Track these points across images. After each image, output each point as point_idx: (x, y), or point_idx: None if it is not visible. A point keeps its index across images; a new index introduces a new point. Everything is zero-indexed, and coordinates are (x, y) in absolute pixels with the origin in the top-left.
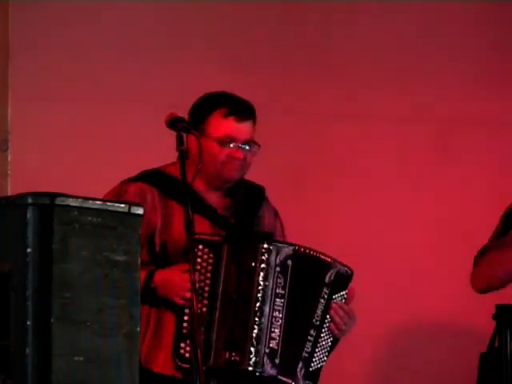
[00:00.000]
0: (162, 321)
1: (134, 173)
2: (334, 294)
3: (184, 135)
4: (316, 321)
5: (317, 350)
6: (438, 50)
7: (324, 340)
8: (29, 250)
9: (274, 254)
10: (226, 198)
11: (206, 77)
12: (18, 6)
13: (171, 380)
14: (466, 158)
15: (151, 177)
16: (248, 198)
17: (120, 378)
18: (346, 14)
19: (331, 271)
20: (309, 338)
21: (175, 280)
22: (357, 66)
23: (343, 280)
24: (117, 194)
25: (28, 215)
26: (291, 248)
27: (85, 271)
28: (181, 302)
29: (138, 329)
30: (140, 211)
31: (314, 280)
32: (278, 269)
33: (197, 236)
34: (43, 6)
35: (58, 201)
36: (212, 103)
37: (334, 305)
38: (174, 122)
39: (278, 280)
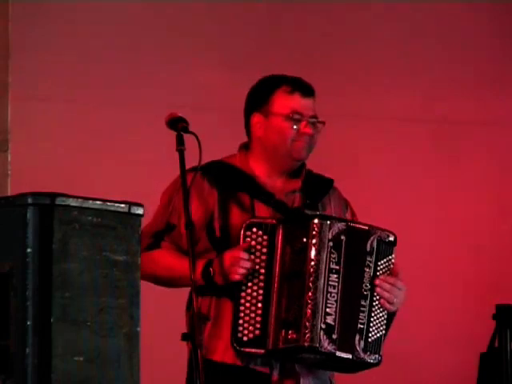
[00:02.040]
0: (220, 310)
1: (134, 173)
2: (379, 261)
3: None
4: (365, 291)
5: (372, 319)
6: (438, 50)
7: (378, 308)
8: (29, 250)
9: (325, 229)
10: (289, 184)
11: (206, 77)
12: (18, 6)
13: (232, 368)
14: (466, 158)
15: (212, 166)
16: (311, 185)
17: (120, 378)
18: (346, 14)
19: (372, 238)
20: (361, 309)
21: (227, 258)
22: (357, 66)
23: (386, 245)
24: (176, 185)
25: (28, 215)
26: (343, 223)
27: (85, 271)
28: (236, 276)
29: (138, 329)
30: (140, 211)
31: (358, 250)
32: (330, 244)
33: (250, 220)
34: (43, 6)
35: (58, 201)
36: (274, 82)
37: (377, 281)
38: (174, 122)
39: (332, 255)
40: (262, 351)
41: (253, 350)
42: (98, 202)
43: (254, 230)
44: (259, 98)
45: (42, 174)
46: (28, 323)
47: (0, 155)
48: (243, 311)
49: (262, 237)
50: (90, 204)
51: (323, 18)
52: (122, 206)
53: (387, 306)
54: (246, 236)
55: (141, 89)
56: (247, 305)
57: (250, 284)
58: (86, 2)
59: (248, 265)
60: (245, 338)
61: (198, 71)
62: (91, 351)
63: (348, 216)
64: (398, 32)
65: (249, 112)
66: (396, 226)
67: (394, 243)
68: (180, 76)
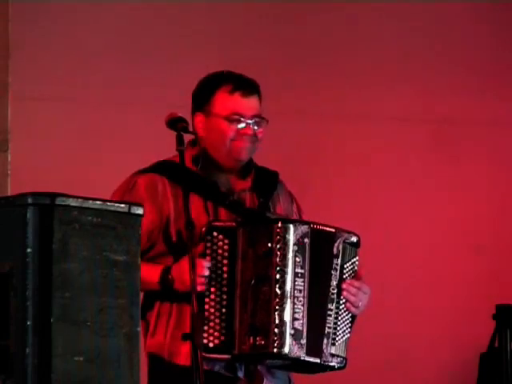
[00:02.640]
0: (182, 313)
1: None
2: (345, 264)
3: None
4: (332, 294)
5: (339, 323)
6: (438, 50)
7: (344, 311)
8: (29, 250)
9: (290, 233)
10: (238, 182)
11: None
12: (18, 6)
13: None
14: (466, 158)
15: (161, 167)
16: (260, 182)
17: (120, 378)
18: (346, 14)
19: (338, 241)
20: (328, 312)
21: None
22: (357, 66)
23: (351, 248)
24: (127, 187)
25: (28, 215)
26: (306, 225)
27: (85, 271)
28: (199, 287)
29: (138, 329)
30: (140, 211)
31: (324, 253)
32: (295, 248)
33: (211, 223)
34: (43, 6)
35: (58, 201)
36: (215, 81)
37: (344, 285)
38: (173, 122)
39: (297, 259)
40: (229, 356)
41: (219, 356)
42: (98, 202)
43: (215, 233)
44: (201, 97)
45: (42, 174)
46: (28, 323)
47: (0, 155)
48: (207, 317)
49: (222, 240)
50: (90, 204)
51: (324, 19)
52: (122, 206)
53: (353, 309)
54: (206, 240)
55: (141, 89)
56: (211, 310)
57: (212, 289)
58: (86, 2)
59: (207, 273)
60: (211, 344)
61: (198, 71)
62: (91, 351)
63: (294, 209)
64: (398, 32)
65: (192, 111)
66: (396, 225)
67: (357, 245)
68: (180, 76)
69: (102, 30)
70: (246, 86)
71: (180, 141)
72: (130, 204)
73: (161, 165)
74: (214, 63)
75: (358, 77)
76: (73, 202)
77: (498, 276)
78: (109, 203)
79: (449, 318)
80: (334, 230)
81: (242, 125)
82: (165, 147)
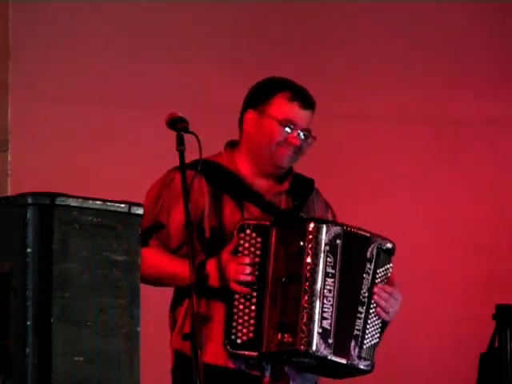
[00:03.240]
0: (211, 311)
1: (134, 173)
2: (378, 269)
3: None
4: (363, 297)
5: (368, 326)
6: (439, 50)
7: (374, 316)
8: (29, 250)
9: (322, 233)
10: (275, 185)
11: (205, 77)
12: (18, 6)
13: (224, 370)
14: (466, 158)
15: (198, 165)
16: (297, 187)
17: (120, 378)
18: (346, 14)
19: (372, 246)
20: (358, 315)
21: (230, 265)
22: (357, 66)
23: (386, 254)
24: (164, 182)
25: (28, 215)
26: (339, 227)
27: (85, 271)
28: (241, 289)
29: (138, 329)
30: (140, 211)
31: (357, 256)
32: (327, 248)
33: (244, 221)
34: (43, 6)
35: (58, 201)
36: (278, 85)
37: (376, 289)
38: (174, 122)
39: (328, 259)
40: (256, 354)
41: (246, 353)
42: (98, 202)
43: (248, 231)
44: (259, 96)
45: (42, 174)
46: (28, 323)
47: (0, 155)
48: (236, 313)
49: (255, 239)
50: (90, 204)
51: (323, 19)
52: (122, 205)
53: (383, 314)
54: (239, 238)
55: (141, 89)
56: (240, 307)
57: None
58: (86, 2)
59: (252, 270)
60: (238, 341)
61: (198, 71)
62: (91, 351)
63: (330, 217)
64: (397, 32)
65: (245, 107)
66: (396, 225)
67: (392, 252)
68: (180, 76)
69: (102, 29)
70: (307, 98)
71: (180, 141)
72: (130, 204)
73: (198, 162)
74: (215, 63)
75: (358, 77)
76: (73, 202)
77: (497, 276)
78: (109, 203)
79: (449, 318)
80: (368, 235)
81: (293, 133)
82: (165, 147)
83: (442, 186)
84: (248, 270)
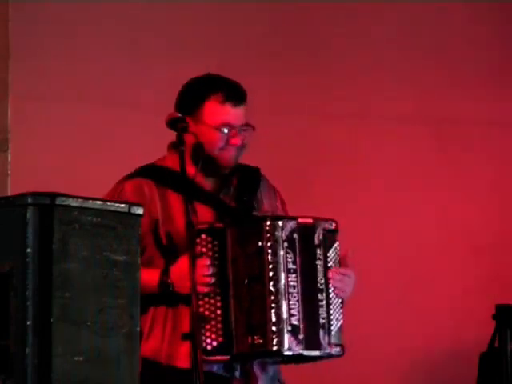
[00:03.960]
0: (179, 316)
1: None
2: (328, 251)
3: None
4: (320, 284)
5: (331, 311)
6: (439, 50)
7: (334, 299)
8: (29, 250)
9: (279, 229)
10: (222, 183)
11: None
12: (18, 6)
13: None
14: (466, 158)
15: (146, 171)
16: (244, 181)
17: (120, 378)
18: (346, 14)
19: (318, 231)
20: (320, 303)
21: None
22: (357, 66)
23: (331, 234)
24: (114, 194)
25: (28, 215)
26: (294, 221)
27: (85, 271)
28: (204, 289)
29: (138, 329)
30: (140, 211)
31: (308, 245)
32: (285, 244)
33: (198, 226)
34: (43, 6)
35: (58, 201)
36: (205, 89)
37: (330, 274)
38: (174, 122)
39: (288, 255)
40: (228, 357)
41: (219, 358)
42: (98, 202)
43: (203, 236)
44: (189, 102)
45: (42, 174)
46: (28, 323)
47: (0, 155)
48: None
49: (212, 242)
50: (89, 204)
51: (323, 19)
52: (122, 205)
53: (341, 294)
54: (195, 243)
55: (141, 89)
56: (206, 313)
57: (205, 291)
58: (86, 2)
59: (213, 270)
60: (209, 347)
61: (198, 71)
62: (91, 351)
63: (278, 204)
64: (398, 32)
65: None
66: (396, 225)
67: (336, 231)
68: (180, 76)
69: (102, 30)
70: (237, 95)
71: (180, 141)
72: (130, 204)
73: (145, 169)
74: (215, 63)
75: (358, 77)
76: (73, 202)
77: (497, 276)
78: (109, 203)
79: (449, 318)
80: (312, 221)
81: (232, 135)
82: (165, 147)
83: (442, 186)
84: (210, 270)
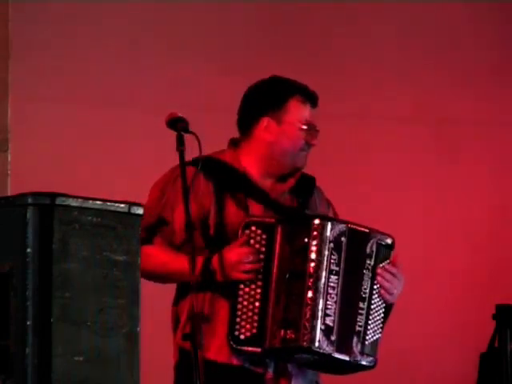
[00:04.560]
0: (215, 307)
1: (134, 173)
2: (378, 264)
3: (184, 135)
4: (364, 293)
5: (369, 322)
6: (438, 50)
7: (375, 311)
8: (29, 250)
9: (327, 230)
10: (279, 184)
11: (205, 77)
12: (18, 6)
13: (226, 367)
14: (466, 158)
15: (205, 162)
16: (300, 185)
17: (120, 378)
18: (346, 14)
19: (371, 241)
20: (359, 311)
21: (234, 256)
22: (357, 66)
23: (385, 249)
24: (170, 177)
25: (28, 215)
26: (344, 224)
27: (85, 271)
28: (244, 276)
29: (138, 329)
30: (140, 211)
31: (358, 252)
32: (331, 245)
33: (249, 218)
34: (43, 6)
35: (58, 201)
36: (288, 89)
37: (379, 270)
38: (174, 122)
39: (333, 256)
40: (259, 350)
41: (250, 349)
42: (98, 202)
43: (253, 228)
44: (272, 102)
45: (42, 174)
46: (28, 323)
47: (0, 155)
48: (241, 309)
49: (260, 235)
50: (89, 204)
51: (323, 19)
52: (122, 206)
53: (387, 296)
54: (244, 234)
55: (141, 89)
56: (245, 303)
57: (247, 282)
58: (86, 2)
59: (254, 258)
60: (242, 337)
61: (198, 71)
62: (91, 351)
63: (331, 214)
64: (397, 32)
65: (257, 114)
66: (396, 225)
67: (392, 246)
68: (180, 76)
69: (102, 30)
70: (314, 96)
71: (180, 141)
72: (130, 204)
73: (204, 160)
74: (215, 63)
75: (358, 77)
76: (73, 202)
77: (498, 276)
78: (109, 203)
79: (449, 318)
80: (367, 230)
81: (313, 135)
82: (165, 147)
83: (442, 186)
84: (250, 257)
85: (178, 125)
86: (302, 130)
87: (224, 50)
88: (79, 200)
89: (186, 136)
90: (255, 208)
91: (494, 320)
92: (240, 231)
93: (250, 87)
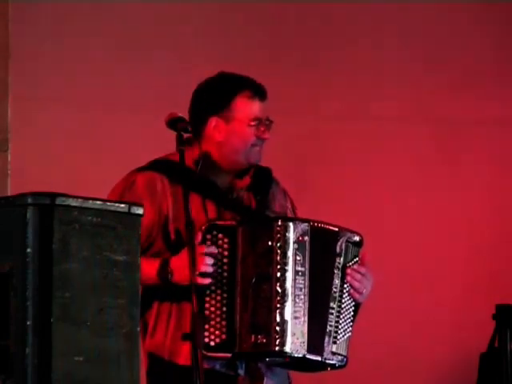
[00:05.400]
0: (182, 313)
1: None
2: (348, 263)
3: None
4: (334, 292)
5: (340, 321)
6: (438, 49)
7: (346, 310)
8: (29, 250)
9: (290, 231)
10: (236, 181)
11: (204, 77)
12: (18, 6)
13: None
14: (466, 158)
15: (160, 165)
16: (257, 180)
17: (120, 378)
18: (346, 14)
19: (341, 240)
20: (330, 311)
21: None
22: (356, 66)
23: (354, 246)
24: (125, 185)
25: (28, 215)
26: (306, 223)
27: (85, 271)
28: (203, 280)
29: (138, 329)
30: (140, 211)
31: (326, 252)
32: (295, 246)
33: (210, 222)
34: (43, 6)
35: (58, 201)
36: (234, 85)
37: (348, 270)
38: (173, 122)
39: (297, 257)
40: (230, 355)
41: (220, 355)
42: (98, 202)
43: (214, 232)
44: (218, 101)
45: (42, 173)
46: (28, 323)
47: (0, 155)
48: (208, 316)
49: (222, 239)
50: (89, 204)
51: (323, 18)
52: (122, 205)
53: (356, 296)
54: (206, 239)
55: (141, 89)
56: (212, 309)
57: (213, 287)
58: (86, 2)
59: (211, 262)
60: (212, 343)
61: (198, 71)
62: (91, 351)
63: (289, 206)
64: (398, 32)
65: (204, 114)
66: (396, 225)
67: (360, 244)
68: (180, 76)
69: (102, 30)
70: (261, 90)
71: (180, 141)
72: (130, 204)
73: (160, 163)
74: (215, 63)
75: (358, 77)
76: (73, 202)
77: (498, 276)
78: (109, 203)
79: (449, 318)
80: (336, 229)
81: (262, 129)
82: (165, 147)
83: (442, 186)
84: (209, 260)
85: (177, 125)
86: (251, 125)
87: (224, 50)
88: (79, 200)
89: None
90: (213, 210)
91: (494, 320)
92: (200, 235)
93: (198, 85)
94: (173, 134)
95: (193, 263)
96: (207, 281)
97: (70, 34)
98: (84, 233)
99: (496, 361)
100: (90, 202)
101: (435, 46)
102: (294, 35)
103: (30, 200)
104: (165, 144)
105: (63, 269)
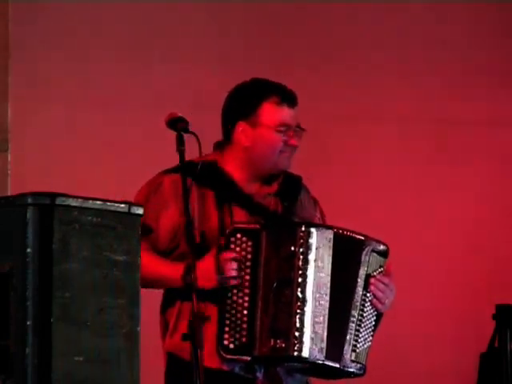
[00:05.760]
0: (206, 312)
1: (133, 173)
2: (373, 272)
3: (183, 136)
4: (356, 301)
5: (361, 330)
6: (438, 49)
7: (367, 319)
8: (29, 250)
9: (313, 237)
10: (264, 187)
11: (206, 77)
12: (18, 6)
13: (218, 373)
14: (466, 158)
15: (188, 168)
16: (286, 187)
17: (120, 378)
18: (346, 14)
19: (366, 249)
20: (351, 319)
21: (216, 262)
22: (357, 66)
23: (379, 256)
24: (152, 187)
25: (28, 215)
26: (330, 230)
27: (85, 271)
28: (232, 282)
29: (138, 329)
30: (140, 211)
31: (351, 260)
32: (318, 252)
33: (235, 225)
34: (43, 6)
35: (58, 201)
36: (262, 91)
37: (372, 280)
38: (173, 122)
39: (319, 263)
40: (249, 358)
41: (239, 357)
42: (98, 202)
43: (239, 235)
44: (245, 106)
45: (42, 174)
46: (28, 323)
47: (0, 155)
48: (229, 318)
49: (246, 242)
50: (89, 204)
51: (324, 19)
52: (122, 205)
53: (379, 306)
54: (230, 242)
55: (141, 89)
56: (233, 311)
57: (235, 290)
58: (86, 2)
59: (235, 265)
60: (231, 346)
61: (198, 71)
62: (91, 351)
63: (317, 215)
64: (398, 32)
65: (233, 119)
66: (396, 225)
67: (386, 254)
68: (180, 76)
69: (102, 30)
70: (291, 96)
71: (180, 141)
72: (130, 204)
73: (187, 165)
74: (215, 63)
75: (359, 77)
76: (73, 202)
77: (497, 276)
78: (109, 203)
79: (449, 318)
80: (362, 238)
81: (290, 136)
82: (165, 147)
83: (442, 186)
84: (234, 264)
85: (177, 125)
86: (278, 131)
87: (224, 50)
88: (79, 200)
89: (186, 136)
90: (240, 214)
91: (493, 320)
92: (224, 238)
93: (231, 90)
94: (173, 134)
95: (193, 264)
96: (233, 282)
97: (70, 34)
98: (84, 233)
99: (496, 361)
100: (90, 202)
101: (435, 45)
102: (294, 35)
103: (29, 200)
104: (165, 144)
105: (63, 269)
